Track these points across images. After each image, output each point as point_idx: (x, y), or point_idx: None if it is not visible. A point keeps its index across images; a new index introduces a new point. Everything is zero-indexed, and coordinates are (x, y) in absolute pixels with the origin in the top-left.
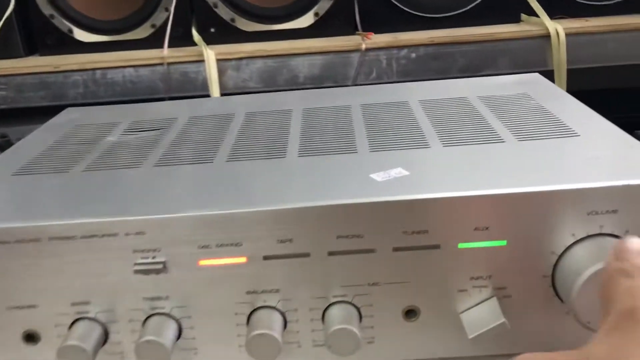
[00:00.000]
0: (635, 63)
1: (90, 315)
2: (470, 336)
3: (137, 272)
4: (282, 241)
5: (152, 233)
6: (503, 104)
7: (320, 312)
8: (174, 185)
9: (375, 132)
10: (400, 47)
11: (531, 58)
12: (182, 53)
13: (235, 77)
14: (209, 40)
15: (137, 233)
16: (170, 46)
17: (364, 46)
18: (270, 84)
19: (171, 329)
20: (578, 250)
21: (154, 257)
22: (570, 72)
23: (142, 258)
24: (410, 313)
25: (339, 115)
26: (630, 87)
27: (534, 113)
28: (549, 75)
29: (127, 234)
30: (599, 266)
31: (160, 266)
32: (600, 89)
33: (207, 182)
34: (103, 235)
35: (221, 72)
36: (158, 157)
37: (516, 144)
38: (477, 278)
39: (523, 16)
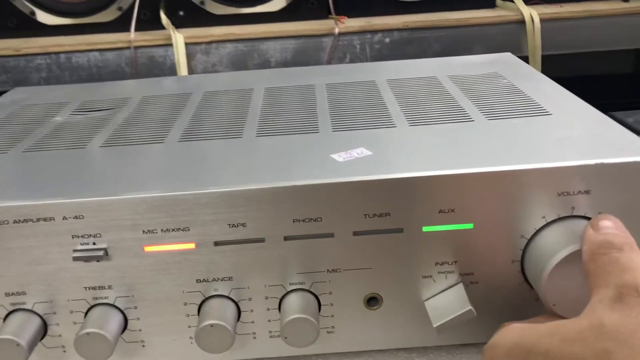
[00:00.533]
0: (609, 49)
1: (26, 306)
2: (435, 325)
3: (76, 259)
4: (234, 226)
5: (92, 217)
6: (473, 83)
7: (277, 301)
8: (119, 166)
9: (339, 112)
10: (374, 32)
11: (506, 43)
12: (150, 37)
13: (204, 61)
14: (178, 24)
15: (76, 217)
16: (137, 29)
17: (337, 30)
18: (241, 68)
19: (115, 320)
20: (549, 233)
21: (94, 243)
22: (545, 58)
23: (82, 244)
24: (372, 301)
25: (302, 94)
26: (605, 74)
27: (505, 92)
28: (524, 61)
29: (64, 218)
30: (570, 250)
31: (101, 253)
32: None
33: (156, 163)
34: (38, 220)
35: (190, 57)
36: (106, 137)
37: (485, 122)
38: (443, 263)
39: (498, 1)
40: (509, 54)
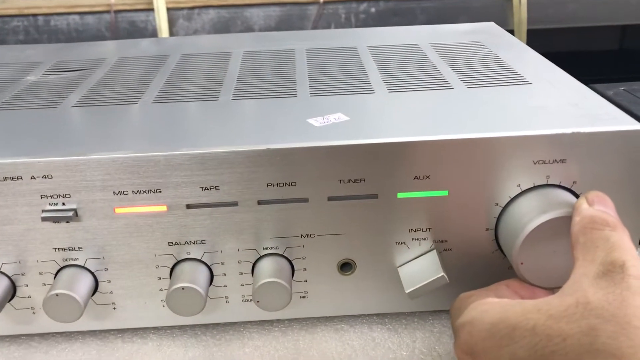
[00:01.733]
0: (595, 25)
1: None
2: (407, 290)
3: (45, 219)
4: (206, 189)
5: (61, 177)
6: (455, 52)
7: (250, 266)
8: (90, 126)
9: (319, 77)
10: (359, 1)
11: (492, 16)
12: (131, 0)
13: (186, 27)
14: None
15: (44, 177)
16: None
17: None
18: None
19: (85, 282)
20: (523, 201)
21: (63, 204)
22: (531, 32)
23: (51, 204)
24: (346, 266)
25: (281, 58)
26: (591, 50)
27: (486, 61)
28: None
29: (32, 178)
30: (544, 218)
31: (70, 213)
32: (560, 51)
33: (129, 124)
34: (5, 179)
35: (172, 22)
36: (79, 97)
37: (465, 90)
38: (417, 230)
39: None
40: (492, 23)
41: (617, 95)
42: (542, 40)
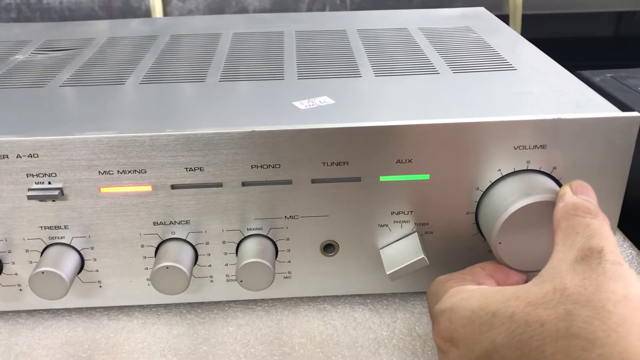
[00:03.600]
0: (591, 11)
1: None
2: (388, 272)
3: (31, 197)
4: (191, 169)
5: (47, 156)
6: (443, 37)
7: (234, 246)
8: (77, 106)
9: (306, 60)
10: None
11: (488, 1)
12: None
13: (180, 7)
14: None
15: (30, 155)
16: None
17: None
18: None
19: (71, 260)
20: (503, 186)
21: (49, 183)
22: (526, 18)
23: (37, 183)
24: (329, 248)
25: (270, 41)
26: (586, 36)
27: (473, 46)
28: (504, 19)
29: (18, 156)
30: (524, 203)
31: (56, 192)
32: (555, 37)
33: (115, 104)
34: None
35: (166, 2)
36: (66, 77)
37: (450, 75)
38: (399, 213)
39: None
40: (482, 8)
41: (604, 82)
42: (537, 26)
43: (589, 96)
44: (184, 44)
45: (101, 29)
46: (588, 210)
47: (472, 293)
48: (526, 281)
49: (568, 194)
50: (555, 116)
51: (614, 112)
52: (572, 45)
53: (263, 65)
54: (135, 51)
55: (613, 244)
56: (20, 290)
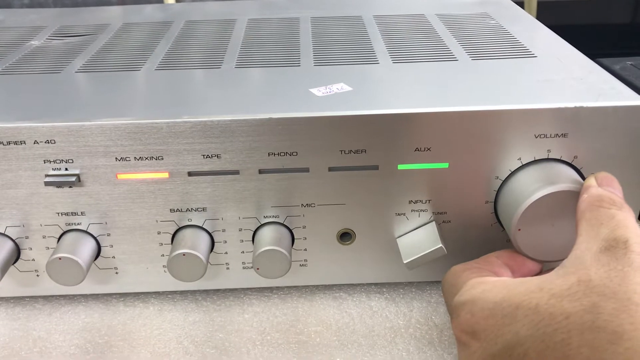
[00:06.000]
0: None
1: None
2: (405, 261)
3: (48, 184)
4: (208, 157)
5: (64, 142)
6: (461, 23)
7: (251, 234)
8: (93, 92)
9: (323, 46)
10: None
11: None
12: None
13: None
14: None
15: (47, 142)
16: None
17: None
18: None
19: (88, 246)
20: (524, 175)
21: (66, 169)
22: (541, 5)
23: (54, 169)
24: (345, 236)
25: (286, 27)
26: (602, 23)
27: (492, 33)
28: (520, 5)
29: (35, 142)
30: (544, 192)
31: (73, 179)
32: (571, 24)
33: (131, 90)
34: (9, 143)
35: None
36: (82, 63)
37: (469, 62)
38: (416, 202)
39: None
40: None
41: (624, 70)
42: (552, 13)
43: (611, 84)
44: (198, 30)
45: (115, 15)
46: (613, 202)
47: (493, 284)
48: (541, 270)
49: (593, 186)
50: (578, 104)
51: (636, 100)
52: (588, 32)
53: (279, 52)
54: (150, 37)
55: (638, 235)
56: (38, 275)
